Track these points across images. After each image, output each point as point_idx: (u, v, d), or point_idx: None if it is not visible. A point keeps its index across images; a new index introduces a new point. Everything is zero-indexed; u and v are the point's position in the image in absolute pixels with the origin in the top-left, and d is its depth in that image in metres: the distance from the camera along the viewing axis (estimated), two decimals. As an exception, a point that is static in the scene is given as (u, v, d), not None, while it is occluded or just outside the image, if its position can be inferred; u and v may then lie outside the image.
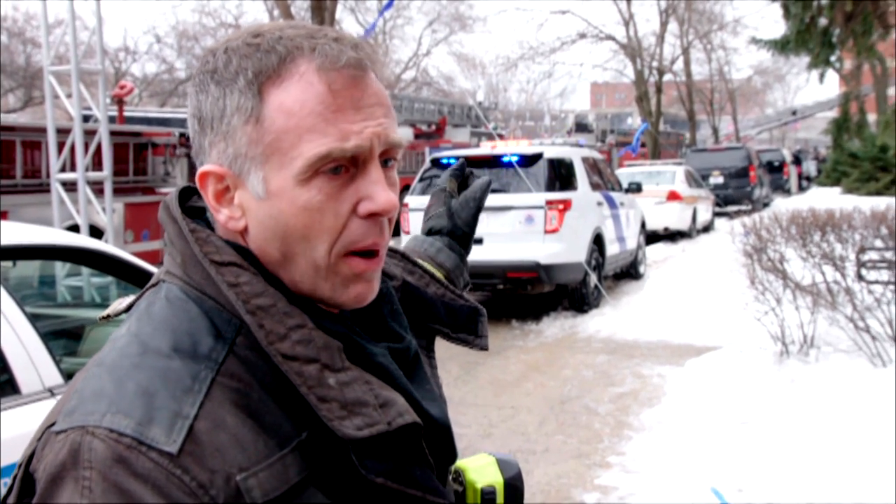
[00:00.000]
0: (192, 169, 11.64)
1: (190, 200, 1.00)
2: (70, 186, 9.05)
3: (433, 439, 0.97)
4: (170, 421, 0.80)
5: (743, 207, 22.09)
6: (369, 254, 0.91)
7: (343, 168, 0.88)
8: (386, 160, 0.92)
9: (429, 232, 1.39)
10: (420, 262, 1.18)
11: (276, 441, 0.84)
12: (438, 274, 1.30)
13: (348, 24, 35.24)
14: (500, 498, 1.12)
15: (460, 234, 1.38)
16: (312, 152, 0.85)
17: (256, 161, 0.88)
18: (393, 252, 1.16)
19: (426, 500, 0.90)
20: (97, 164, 9.47)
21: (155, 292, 0.93)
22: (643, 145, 33.75)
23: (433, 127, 25.36)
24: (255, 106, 0.87)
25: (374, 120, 0.88)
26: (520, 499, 1.14)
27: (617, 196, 11.41)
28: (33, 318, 2.75)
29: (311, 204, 0.87)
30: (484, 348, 1.16)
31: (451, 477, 1.12)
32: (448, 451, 1.02)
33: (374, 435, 0.84)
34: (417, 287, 1.13)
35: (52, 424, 0.84)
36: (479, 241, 9.27)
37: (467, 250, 1.40)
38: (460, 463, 1.15)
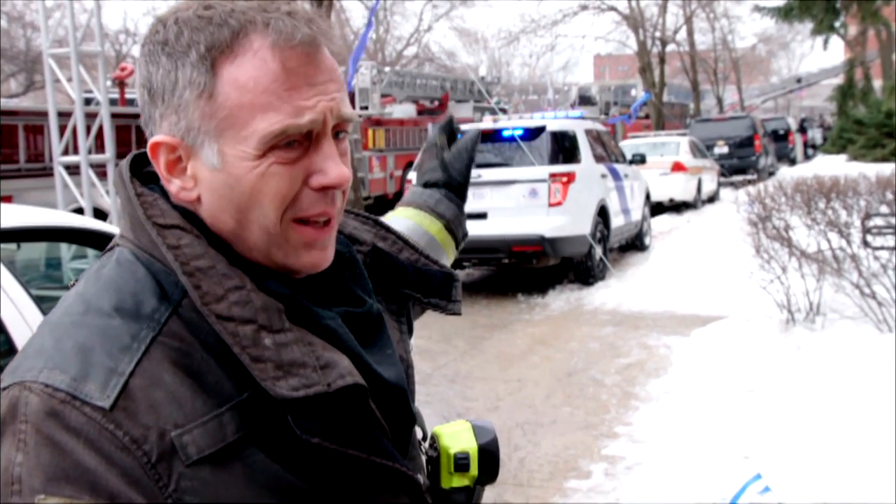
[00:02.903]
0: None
1: (150, 166, 1.01)
2: (73, 170, 9.06)
3: (387, 402, 0.98)
4: (105, 377, 0.82)
5: (748, 177, 22.00)
6: (319, 223, 0.93)
7: (297, 142, 0.89)
8: (337, 133, 0.93)
9: (425, 185, 1.44)
10: (395, 229, 1.18)
11: (216, 401, 0.85)
12: (428, 226, 1.36)
13: (350, 4, 34.99)
14: (473, 463, 1.13)
15: (456, 184, 1.44)
16: (268, 129, 0.86)
17: (210, 134, 0.88)
18: (366, 218, 1.16)
19: (371, 462, 0.91)
20: (99, 146, 9.46)
21: (109, 256, 0.95)
22: (646, 116, 33.54)
23: (436, 103, 25.23)
24: (207, 81, 0.87)
25: (327, 95, 0.89)
26: (494, 464, 1.14)
27: (621, 168, 11.38)
28: (39, 301, 2.76)
29: (266, 173, 0.88)
30: (457, 313, 1.16)
31: (427, 442, 1.14)
32: (405, 414, 1.02)
33: (311, 395, 0.85)
34: (389, 253, 1.13)
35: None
36: (484, 216, 9.27)
37: (463, 200, 1.46)
38: (436, 429, 1.16)
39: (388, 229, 1.16)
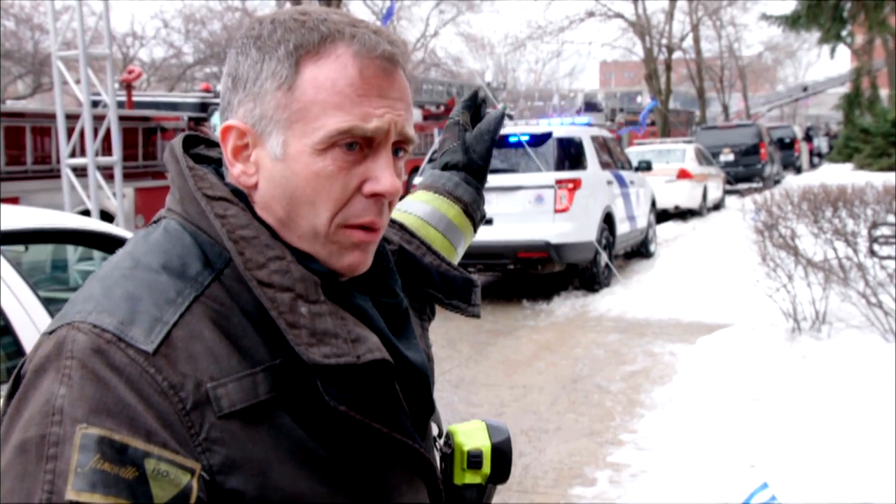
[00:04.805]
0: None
1: (196, 149, 1.07)
2: (80, 172, 9.07)
3: (410, 386, 1.02)
4: (150, 324, 0.87)
5: (754, 185, 21.97)
6: (368, 227, 0.97)
7: (358, 146, 0.94)
8: (396, 150, 0.98)
9: (444, 167, 1.45)
10: (418, 234, 1.22)
11: (250, 362, 0.90)
12: (436, 233, 1.37)
13: (355, 7, 35.07)
14: (486, 461, 1.17)
15: (475, 167, 1.45)
16: (335, 126, 0.92)
17: (280, 125, 0.94)
18: (392, 221, 1.20)
19: (392, 438, 0.94)
20: (107, 149, 9.48)
21: (156, 226, 1.00)
22: (652, 123, 33.53)
23: (442, 108, 25.28)
24: (289, 75, 0.93)
25: (394, 110, 0.95)
26: (507, 464, 1.18)
27: (627, 175, 11.37)
28: (46, 302, 2.76)
29: (323, 172, 0.93)
30: (476, 316, 1.20)
31: (442, 439, 1.17)
32: (425, 400, 1.06)
33: (342, 365, 0.89)
34: (414, 255, 1.17)
35: None
36: (490, 222, 9.26)
37: (482, 183, 1.47)
38: (452, 426, 1.20)
39: (412, 234, 1.21)
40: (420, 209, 1.40)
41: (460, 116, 1.47)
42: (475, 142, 1.44)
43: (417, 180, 10.13)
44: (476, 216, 1.45)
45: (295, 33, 0.94)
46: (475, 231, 1.48)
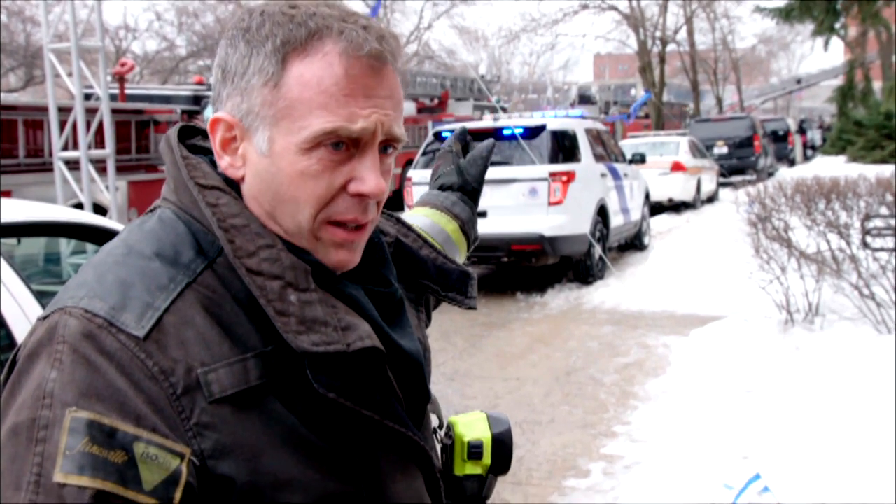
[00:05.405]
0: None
1: (193, 139, 1.07)
2: (73, 165, 9.04)
3: (404, 374, 1.02)
4: (141, 310, 0.88)
5: (747, 177, 22.00)
6: (351, 226, 0.97)
7: (344, 146, 0.93)
8: (385, 147, 0.98)
9: (440, 188, 1.49)
10: (415, 227, 1.23)
11: (241, 348, 0.91)
12: (432, 240, 1.37)
13: (353, 3, 34.92)
14: (486, 452, 1.18)
15: (470, 189, 1.48)
16: (320, 126, 0.91)
17: (266, 121, 0.94)
18: (389, 215, 1.21)
19: (384, 425, 0.95)
20: (99, 142, 9.45)
21: (150, 214, 1.02)
22: (646, 116, 33.52)
23: (436, 101, 25.25)
24: (276, 71, 0.93)
25: (381, 109, 0.94)
26: (507, 454, 1.20)
27: (621, 167, 11.37)
28: (39, 296, 2.75)
29: (307, 171, 0.93)
30: (472, 308, 1.21)
31: (442, 431, 1.18)
32: (420, 388, 1.06)
33: (331, 353, 0.89)
34: (410, 247, 1.18)
35: None
36: (483, 215, 9.26)
37: (476, 205, 1.50)
38: (452, 417, 1.21)
39: (409, 227, 1.21)
40: (420, 221, 1.42)
41: (453, 146, 1.52)
42: (469, 166, 1.49)
43: (412, 173, 10.12)
44: (470, 235, 1.48)
45: (283, 28, 0.93)
46: (468, 250, 1.51)
